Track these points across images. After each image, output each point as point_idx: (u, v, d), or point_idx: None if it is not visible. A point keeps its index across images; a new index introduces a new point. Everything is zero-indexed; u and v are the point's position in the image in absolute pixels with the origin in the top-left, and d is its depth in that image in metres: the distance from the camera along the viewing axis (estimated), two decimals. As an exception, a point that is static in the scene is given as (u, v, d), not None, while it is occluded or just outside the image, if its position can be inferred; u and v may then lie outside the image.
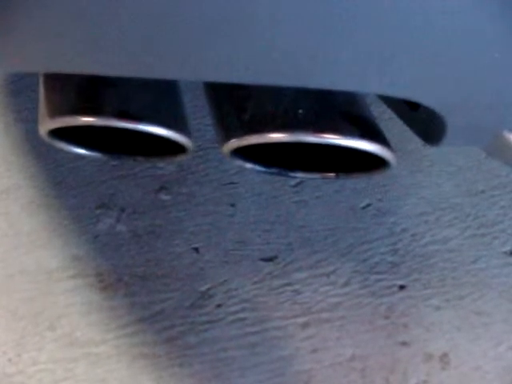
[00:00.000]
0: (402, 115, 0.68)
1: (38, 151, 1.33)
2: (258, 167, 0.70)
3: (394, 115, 1.34)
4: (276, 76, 0.51)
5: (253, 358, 1.07)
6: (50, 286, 1.14)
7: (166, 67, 0.52)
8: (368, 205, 1.26)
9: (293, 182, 1.29)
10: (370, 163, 0.67)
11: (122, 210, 1.25)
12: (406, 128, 1.36)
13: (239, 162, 0.68)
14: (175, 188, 1.29)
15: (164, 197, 1.27)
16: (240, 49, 0.49)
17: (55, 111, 0.64)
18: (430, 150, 1.34)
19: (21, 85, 1.45)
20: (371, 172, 0.67)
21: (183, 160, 1.30)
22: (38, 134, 1.36)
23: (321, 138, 0.58)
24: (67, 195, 1.27)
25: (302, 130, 0.59)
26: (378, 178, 1.29)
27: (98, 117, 0.61)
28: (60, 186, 1.28)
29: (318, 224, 1.23)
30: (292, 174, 0.70)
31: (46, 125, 0.64)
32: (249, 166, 0.69)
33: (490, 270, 1.16)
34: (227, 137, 0.63)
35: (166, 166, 1.31)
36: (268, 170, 0.70)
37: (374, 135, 0.60)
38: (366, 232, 1.22)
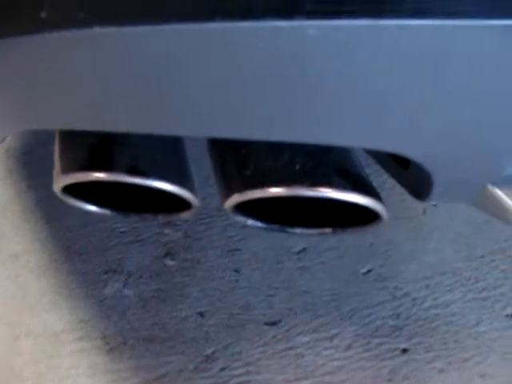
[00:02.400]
0: (393, 173, 0.72)
1: (47, 217, 1.37)
2: (259, 224, 0.73)
3: (394, 184, 1.37)
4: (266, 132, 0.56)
5: (256, 421, 1.07)
6: (55, 348, 1.16)
7: (168, 124, 0.56)
8: (369, 270, 1.28)
9: (296, 249, 1.32)
10: (364, 219, 0.70)
11: (129, 274, 1.28)
12: (405, 197, 1.40)
13: (241, 219, 0.71)
14: (180, 254, 1.32)
15: (169, 262, 1.30)
16: (232, 108, 0.54)
17: (68, 168, 0.68)
18: (430, 217, 1.37)
19: (33, 155, 1.51)
20: (365, 226, 0.70)
21: (188, 223, 1.34)
22: (47, 201, 1.41)
23: (316, 191, 0.62)
24: (75, 260, 1.30)
25: (298, 184, 0.62)
26: (378, 243, 1.32)
27: (109, 173, 0.65)
28: (68, 251, 1.32)
29: (320, 289, 1.25)
30: (291, 230, 0.74)
31: (60, 181, 0.68)
32: (250, 222, 0.72)
33: (493, 333, 1.17)
34: (229, 192, 0.66)
35: (172, 233, 1.35)
36: (268, 227, 0.74)
37: (366, 189, 0.64)
38: (368, 297, 1.23)
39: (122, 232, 1.35)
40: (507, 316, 1.20)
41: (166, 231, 1.35)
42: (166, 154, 0.71)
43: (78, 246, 1.32)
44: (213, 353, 1.15)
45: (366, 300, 1.23)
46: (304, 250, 1.31)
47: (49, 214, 1.38)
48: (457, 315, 1.20)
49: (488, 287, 1.24)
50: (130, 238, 1.34)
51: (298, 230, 0.73)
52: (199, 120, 0.56)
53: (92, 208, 0.75)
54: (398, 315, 1.20)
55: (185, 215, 0.73)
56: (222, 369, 1.13)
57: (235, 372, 1.13)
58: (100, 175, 0.66)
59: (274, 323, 1.20)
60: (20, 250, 1.31)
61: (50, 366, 1.13)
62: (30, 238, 1.34)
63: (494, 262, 1.29)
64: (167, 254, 1.31)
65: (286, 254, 1.30)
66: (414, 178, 0.67)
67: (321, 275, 1.27)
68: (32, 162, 1.49)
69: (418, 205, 1.38)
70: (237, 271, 1.28)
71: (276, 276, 1.27)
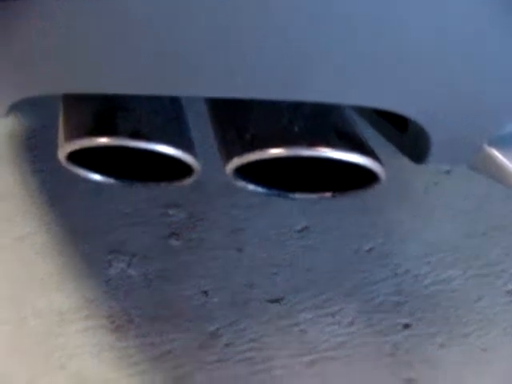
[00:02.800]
0: (390, 138, 0.73)
1: (52, 200, 1.38)
2: (259, 188, 0.74)
3: (397, 164, 1.39)
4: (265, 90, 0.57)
5: (260, 395, 1.08)
6: (62, 327, 1.17)
7: (171, 84, 0.58)
8: (371, 248, 1.29)
9: (299, 228, 1.34)
10: (363, 182, 0.71)
11: (133, 255, 1.29)
12: (407, 175, 1.41)
13: (242, 184, 0.73)
14: (185, 234, 1.33)
15: (174, 242, 1.32)
16: (231, 65, 0.55)
17: (72, 134, 0.69)
18: (431, 195, 1.38)
19: (36, 140, 1.53)
20: (363, 188, 0.71)
21: (192, 203, 1.35)
22: (52, 184, 1.42)
23: (315, 151, 0.63)
24: (80, 242, 1.31)
25: (298, 145, 0.64)
26: (380, 222, 1.33)
27: (112, 137, 0.67)
28: (73, 233, 1.33)
29: (322, 267, 1.26)
30: (291, 195, 0.75)
31: (64, 148, 0.69)
32: (251, 187, 0.73)
33: (494, 308, 1.18)
34: (230, 156, 0.67)
35: (176, 214, 1.36)
36: (269, 192, 0.75)
37: (364, 150, 0.65)
38: (370, 274, 1.25)
39: (126, 213, 1.36)
40: (508, 292, 1.21)
41: (171, 212, 1.36)
42: (168, 119, 0.72)
43: (82, 227, 1.34)
44: (217, 330, 1.16)
45: (368, 277, 1.24)
46: (306, 228, 1.33)
47: (54, 197, 1.39)
48: (458, 291, 1.21)
49: (489, 263, 1.25)
50: (134, 219, 1.35)
51: (298, 195, 0.74)
52: (198, 78, 0.58)
53: (96, 177, 0.76)
54: (400, 292, 1.22)
55: (187, 182, 0.74)
56: (226, 345, 1.14)
57: (239, 348, 1.14)
58: (103, 140, 0.67)
59: (277, 300, 1.21)
60: (26, 233, 1.33)
61: (57, 344, 1.15)
62: (36, 220, 1.35)
63: (495, 238, 1.30)
64: (171, 235, 1.33)
65: (289, 232, 1.32)
66: (411, 140, 0.68)
67: (323, 253, 1.28)
68: (36, 147, 1.51)
69: (419, 184, 1.39)
70: (240, 250, 1.29)
71: (279, 254, 1.28)
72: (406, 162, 1.39)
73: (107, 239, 1.32)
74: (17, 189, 1.41)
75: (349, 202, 1.37)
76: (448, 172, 1.43)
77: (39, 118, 1.55)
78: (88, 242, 1.31)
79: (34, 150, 1.49)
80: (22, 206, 1.38)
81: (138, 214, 1.36)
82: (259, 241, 1.31)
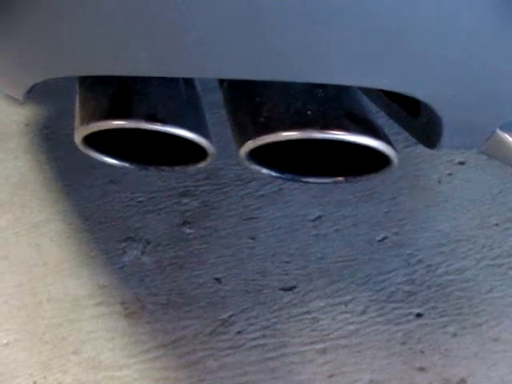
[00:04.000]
0: (402, 123, 0.73)
1: (68, 188, 1.40)
2: (273, 172, 0.74)
3: (412, 155, 1.39)
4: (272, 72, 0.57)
5: (272, 382, 1.09)
6: (76, 313, 1.18)
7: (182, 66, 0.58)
8: (384, 238, 1.29)
9: (312, 217, 1.34)
10: (375, 166, 0.71)
11: (147, 242, 1.30)
12: (421, 166, 1.40)
13: (255, 167, 0.73)
14: (198, 222, 1.34)
15: (187, 230, 1.32)
16: (238, 47, 0.55)
17: (88, 118, 0.70)
18: (445, 186, 1.38)
19: (53, 129, 1.54)
20: (376, 172, 0.72)
21: (205, 192, 1.35)
22: (67, 173, 1.44)
23: (327, 133, 0.63)
24: (95, 229, 1.33)
25: (310, 127, 0.64)
26: (394, 212, 1.33)
27: (128, 120, 0.67)
28: (88, 220, 1.34)
29: (335, 256, 1.27)
30: (304, 179, 0.75)
31: (80, 131, 0.70)
32: (265, 171, 0.74)
33: (507, 299, 1.18)
34: (244, 139, 0.68)
35: (190, 202, 1.37)
36: (282, 176, 0.75)
37: (376, 133, 0.65)
38: (383, 263, 1.25)
39: (140, 201, 1.37)
40: (521, 282, 1.21)
41: (184, 201, 1.37)
42: (183, 103, 0.73)
43: (97, 215, 1.35)
44: (229, 317, 1.17)
45: (381, 266, 1.24)
46: (319, 217, 1.33)
47: (69, 185, 1.40)
48: (471, 281, 1.21)
49: (502, 254, 1.25)
50: (148, 207, 1.36)
51: (311, 179, 0.75)
52: (212, 59, 0.58)
53: (112, 160, 0.77)
54: (413, 281, 1.22)
55: (201, 165, 0.74)
56: (239, 332, 1.15)
57: (251, 336, 1.15)
58: (119, 122, 0.68)
59: (289, 289, 1.21)
60: (41, 220, 1.34)
61: (71, 329, 1.16)
62: (51, 208, 1.36)
63: (509, 229, 1.29)
64: (185, 223, 1.33)
65: (302, 221, 1.32)
66: (423, 125, 0.69)
67: (336, 242, 1.29)
68: (52, 137, 1.52)
69: (433, 174, 1.39)
70: (253, 238, 1.30)
71: (291, 243, 1.29)
72: (419, 152, 1.40)
73: (121, 227, 1.33)
74: (33, 177, 1.42)
75: (362, 191, 1.37)
76: (462, 163, 1.43)
77: (55, 107, 1.57)
78: (102, 229, 1.33)
79: (50, 139, 1.51)
80: (38, 193, 1.39)
81: (152, 202, 1.37)
82: (272, 229, 1.32)
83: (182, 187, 1.41)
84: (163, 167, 0.78)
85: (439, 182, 1.39)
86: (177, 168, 0.77)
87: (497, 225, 1.30)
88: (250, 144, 0.67)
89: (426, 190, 1.36)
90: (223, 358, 1.12)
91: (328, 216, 1.33)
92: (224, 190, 1.39)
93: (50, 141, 1.50)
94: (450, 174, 1.40)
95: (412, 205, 1.34)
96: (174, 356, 1.13)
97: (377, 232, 1.30)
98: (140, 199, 1.38)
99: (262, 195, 1.38)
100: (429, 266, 1.24)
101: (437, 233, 1.29)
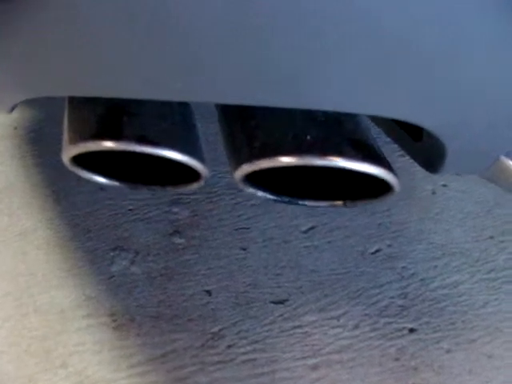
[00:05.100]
0: (405, 146, 0.72)
1: (56, 195, 1.37)
2: (268, 195, 0.72)
3: (403, 164, 1.36)
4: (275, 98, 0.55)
5: (263, 398, 1.07)
6: (63, 325, 1.16)
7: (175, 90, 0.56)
8: (378, 250, 1.28)
9: (304, 228, 1.32)
10: (376, 191, 0.69)
11: (137, 252, 1.27)
12: (415, 177, 1.39)
13: (251, 190, 0.71)
14: (188, 232, 1.31)
15: (177, 240, 1.30)
16: (242, 71, 0.53)
17: (77, 137, 0.67)
18: (439, 198, 1.36)
19: (41, 133, 1.51)
20: (376, 198, 0.70)
21: (196, 201, 1.33)
22: (56, 179, 1.41)
23: (326, 160, 0.61)
24: (83, 237, 1.30)
25: (309, 153, 0.62)
26: (387, 223, 1.31)
27: (118, 142, 0.65)
28: (76, 228, 1.32)
29: (328, 268, 1.25)
30: (301, 202, 0.73)
31: (69, 151, 0.68)
32: (260, 193, 0.72)
33: (501, 314, 1.16)
34: (239, 162, 0.66)
35: (180, 211, 1.35)
36: (279, 199, 0.73)
37: (377, 159, 0.63)
38: (376, 276, 1.23)
39: (129, 210, 1.35)
40: (516, 297, 1.20)
41: (174, 209, 1.35)
42: (176, 123, 0.70)
43: (85, 223, 1.32)
44: (219, 330, 1.15)
45: (374, 280, 1.22)
46: (312, 228, 1.31)
47: (57, 191, 1.38)
48: (465, 296, 1.20)
49: (496, 268, 1.24)
50: (137, 215, 1.34)
51: (308, 202, 0.72)
52: (208, 84, 0.56)
53: (101, 179, 0.74)
54: (406, 295, 1.20)
55: (193, 186, 0.72)
56: (229, 346, 1.13)
57: (242, 350, 1.13)
58: (109, 144, 0.65)
59: (281, 302, 1.20)
60: (28, 228, 1.32)
61: (57, 342, 1.14)
62: (39, 215, 1.34)
63: (503, 243, 1.28)
64: (175, 232, 1.31)
65: (294, 232, 1.30)
66: (426, 149, 0.67)
67: (328, 254, 1.27)
68: (40, 141, 1.49)
69: (428, 186, 1.38)
70: (244, 249, 1.28)
71: (283, 255, 1.27)
72: (414, 162, 1.37)
73: (110, 236, 1.30)
74: (19, 183, 1.39)
75: (355, 202, 1.35)
76: (457, 174, 1.41)
77: (45, 110, 1.54)
78: (91, 238, 1.30)
79: (38, 143, 1.48)
80: (25, 200, 1.36)
81: (142, 210, 1.34)
82: (264, 240, 1.30)
83: (172, 195, 1.38)
84: (154, 187, 0.76)
85: (434, 193, 1.38)
86: (168, 188, 0.75)
87: (491, 237, 1.29)
88: (246, 168, 0.65)
89: (420, 201, 1.35)
90: (213, 373, 1.10)
91: (321, 227, 1.31)
92: (215, 199, 1.37)
93: (38, 145, 1.47)
94: (444, 185, 1.39)
95: (406, 217, 1.32)
96: (163, 370, 1.11)
97: (370, 244, 1.28)
98: (130, 207, 1.35)
99: (253, 204, 1.36)
100: (422, 279, 1.22)
101: (431, 245, 1.28)
